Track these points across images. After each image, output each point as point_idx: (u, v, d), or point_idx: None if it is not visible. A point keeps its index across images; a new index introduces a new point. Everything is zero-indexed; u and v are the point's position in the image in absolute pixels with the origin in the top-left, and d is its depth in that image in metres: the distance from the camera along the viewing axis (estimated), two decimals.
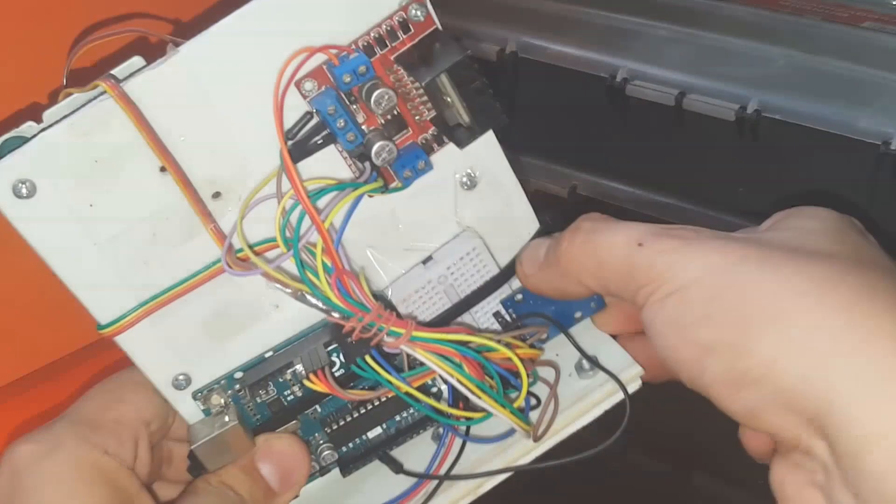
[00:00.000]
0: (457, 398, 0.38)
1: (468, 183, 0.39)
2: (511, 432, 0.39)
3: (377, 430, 0.40)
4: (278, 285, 0.36)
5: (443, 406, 0.38)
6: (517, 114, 0.61)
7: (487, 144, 0.38)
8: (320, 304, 0.36)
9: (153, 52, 0.34)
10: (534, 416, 0.39)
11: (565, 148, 0.61)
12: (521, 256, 0.39)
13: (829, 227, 0.33)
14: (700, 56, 0.57)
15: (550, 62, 0.61)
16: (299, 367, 0.38)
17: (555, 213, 0.40)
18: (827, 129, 0.51)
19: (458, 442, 0.40)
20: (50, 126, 0.33)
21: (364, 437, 0.40)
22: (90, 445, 0.35)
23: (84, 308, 0.35)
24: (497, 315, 0.41)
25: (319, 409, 0.40)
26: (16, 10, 0.52)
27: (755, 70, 0.55)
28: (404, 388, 0.38)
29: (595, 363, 0.40)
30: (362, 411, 0.40)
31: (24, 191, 0.33)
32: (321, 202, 0.36)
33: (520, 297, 0.40)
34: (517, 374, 0.38)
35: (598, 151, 0.62)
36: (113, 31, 0.39)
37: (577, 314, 0.41)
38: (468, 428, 0.39)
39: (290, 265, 0.36)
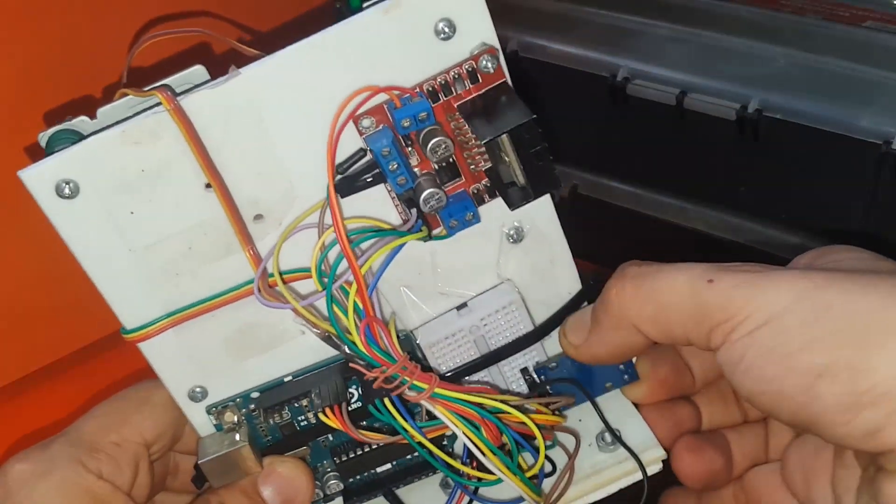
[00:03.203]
0: (471, 455, 0.37)
1: (514, 236, 0.38)
2: (522, 499, 0.38)
3: (386, 466, 0.40)
4: (306, 323, 0.35)
5: (455, 463, 0.37)
6: None
7: (542, 204, 0.37)
8: (345, 349, 0.35)
9: (216, 56, 0.33)
10: (548, 481, 0.38)
11: (565, 148, 0.61)
12: (564, 329, 0.38)
13: (875, 256, 0.33)
14: (701, 55, 0.57)
15: (551, 61, 0.61)
16: (316, 397, 0.38)
17: (597, 276, 0.38)
18: (828, 128, 0.51)
19: (466, 497, 0.38)
20: (101, 130, 0.32)
21: (372, 471, 0.40)
22: (85, 469, 0.35)
23: (106, 310, 0.35)
24: (524, 371, 0.40)
25: (331, 438, 0.39)
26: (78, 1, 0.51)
27: (756, 69, 0.55)
28: (418, 437, 0.37)
29: (618, 439, 0.39)
30: (373, 447, 0.39)
31: (66, 191, 0.32)
32: (363, 243, 0.35)
33: (553, 365, 0.39)
34: (533, 439, 0.37)
35: (599, 151, 0.62)
36: (175, 29, 0.39)
37: (608, 384, 0.39)
38: (477, 487, 0.38)
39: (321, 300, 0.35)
